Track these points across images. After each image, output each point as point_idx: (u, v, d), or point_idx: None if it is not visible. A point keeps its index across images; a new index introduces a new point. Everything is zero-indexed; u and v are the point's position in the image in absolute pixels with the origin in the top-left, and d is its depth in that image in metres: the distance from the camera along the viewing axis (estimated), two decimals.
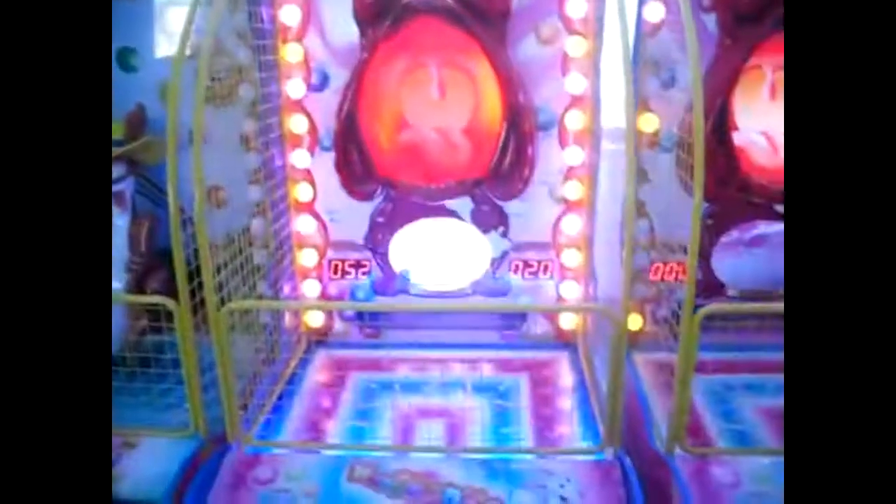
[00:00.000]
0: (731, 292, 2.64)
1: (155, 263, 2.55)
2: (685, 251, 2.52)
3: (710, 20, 2.38)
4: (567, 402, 2.43)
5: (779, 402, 2.25)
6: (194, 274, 2.02)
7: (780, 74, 2.41)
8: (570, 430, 2.27)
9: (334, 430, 2.30)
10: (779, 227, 2.54)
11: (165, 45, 2.57)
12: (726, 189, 2.44)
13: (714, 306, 1.99)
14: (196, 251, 2.00)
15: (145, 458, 2.08)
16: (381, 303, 2.80)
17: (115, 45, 2.55)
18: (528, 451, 2.16)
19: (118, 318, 2.42)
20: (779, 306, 2.42)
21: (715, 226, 2.57)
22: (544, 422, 2.31)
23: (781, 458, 2.02)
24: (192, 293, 2.03)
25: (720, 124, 2.38)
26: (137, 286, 2.51)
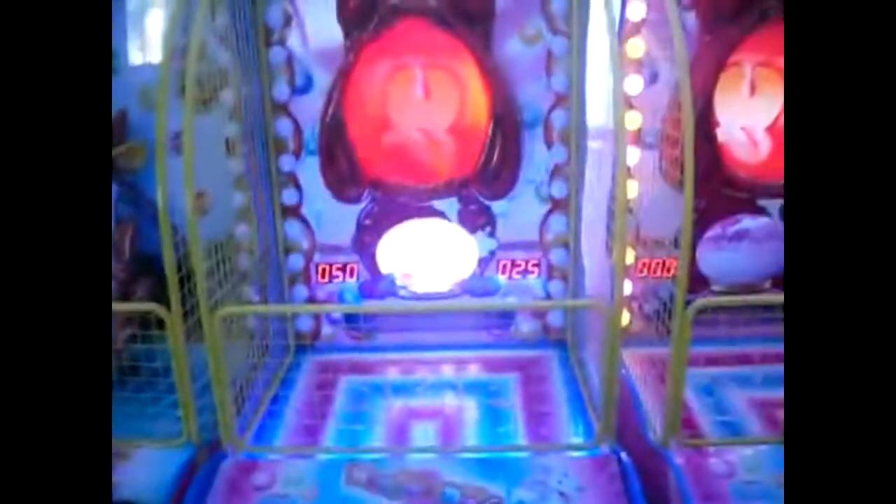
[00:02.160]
0: (715, 287, 2.69)
1: (139, 270, 2.51)
2: (670, 247, 2.59)
3: (690, 17, 2.41)
4: (558, 399, 2.43)
5: (766, 393, 2.31)
6: (184, 280, 2.01)
7: (760, 71, 2.47)
8: (563, 426, 2.28)
9: (328, 434, 2.28)
10: (762, 221, 2.59)
11: (139, 50, 2.53)
12: (710, 184, 2.47)
13: (705, 300, 2.02)
14: (184, 257, 1.98)
15: (139, 468, 2.04)
16: (369, 305, 2.78)
17: None
18: (525, 448, 2.16)
19: None
20: (769, 297, 2.50)
21: (699, 221, 2.59)
22: (537, 419, 2.31)
23: (772, 448, 2.06)
24: (181, 300, 2.01)
25: (702, 120, 2.41)
26: (122, 294, 2.47)
